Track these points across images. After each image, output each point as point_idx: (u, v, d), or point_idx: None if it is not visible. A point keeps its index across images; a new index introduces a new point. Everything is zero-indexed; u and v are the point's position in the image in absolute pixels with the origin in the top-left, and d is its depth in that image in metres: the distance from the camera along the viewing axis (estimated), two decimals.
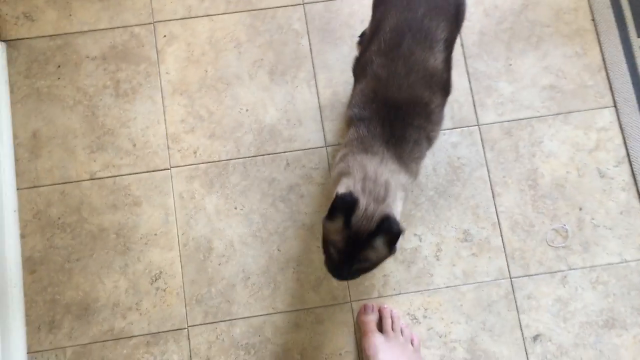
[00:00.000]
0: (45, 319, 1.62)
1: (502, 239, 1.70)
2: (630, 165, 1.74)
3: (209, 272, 1.67)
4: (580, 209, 1.72)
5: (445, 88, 1.38)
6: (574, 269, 1.69)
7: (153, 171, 1.72)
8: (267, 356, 1.62)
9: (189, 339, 1.63)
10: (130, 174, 1.71)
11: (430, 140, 1.38)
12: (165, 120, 1.75)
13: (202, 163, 1.73)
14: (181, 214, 1.70)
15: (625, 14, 1.80)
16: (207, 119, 1.75)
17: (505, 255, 1.69)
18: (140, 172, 1.71)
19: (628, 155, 1.75)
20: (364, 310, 1.63)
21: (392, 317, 1.61)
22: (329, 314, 1.66)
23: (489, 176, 1.74)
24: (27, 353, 1.60)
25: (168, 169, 1.72)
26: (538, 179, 1.74)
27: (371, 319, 1.60)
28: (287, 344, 1.63)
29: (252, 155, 1.73)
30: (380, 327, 1.60)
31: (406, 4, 1.36)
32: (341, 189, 1.28)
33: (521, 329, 1.65)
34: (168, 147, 1.73)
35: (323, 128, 1.75)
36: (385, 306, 1.63)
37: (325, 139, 1.75)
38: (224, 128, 1.75)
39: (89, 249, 1.66)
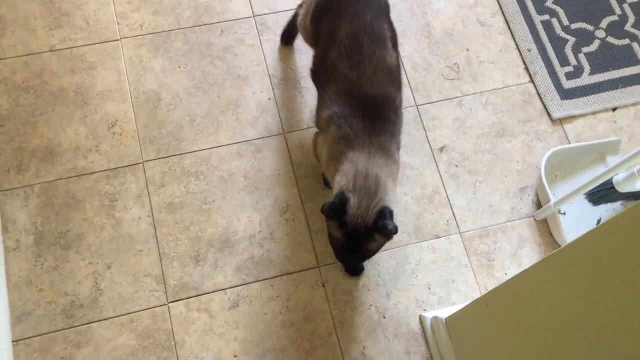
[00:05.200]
0: (13, 163, 1.82)
1: (407, 76, 2.04)
2: (503, 15, 2.14)
3: (159, 118, 1.92)
4: (468, 50, 2.09)
5: (400, 83, 1.56)
6: (467, 95, 2.03)
7: (105, 42, 1.99)
8: (214, 180, 1.86)
9: (144, 171, 1.85)
10: (85, 44, 1.98)
11: (400, 133, 1.53)
12: (113, 2, 2.04)
13: (148, 34, 2.02)
14: (132, 73, 1.96)
15: None
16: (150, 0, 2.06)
17: (411, 88, 2.02)
18: (94, 43, 1.99)
19: (500, 7, 2.15)
20: None
21: None
22: (266, 144, 1.92)
23: None
24: None
25: (118, 39, 2.00)
26: (431, 31, 2.11)
27: None
28: (231, 169, 1.88)
29: (191, 25, 2.04)
30: None
31: (354, 13, 1.55)
32: (335, 187, 1.39)
33: (429, 143, 1.96)
34: (117, 23, 2.02)
35: (250, 2, 2.09)
36: None
37: (252, 10, 2.08)
38: (165, 6, 2.05)
39: (50, 105, 1.90)
